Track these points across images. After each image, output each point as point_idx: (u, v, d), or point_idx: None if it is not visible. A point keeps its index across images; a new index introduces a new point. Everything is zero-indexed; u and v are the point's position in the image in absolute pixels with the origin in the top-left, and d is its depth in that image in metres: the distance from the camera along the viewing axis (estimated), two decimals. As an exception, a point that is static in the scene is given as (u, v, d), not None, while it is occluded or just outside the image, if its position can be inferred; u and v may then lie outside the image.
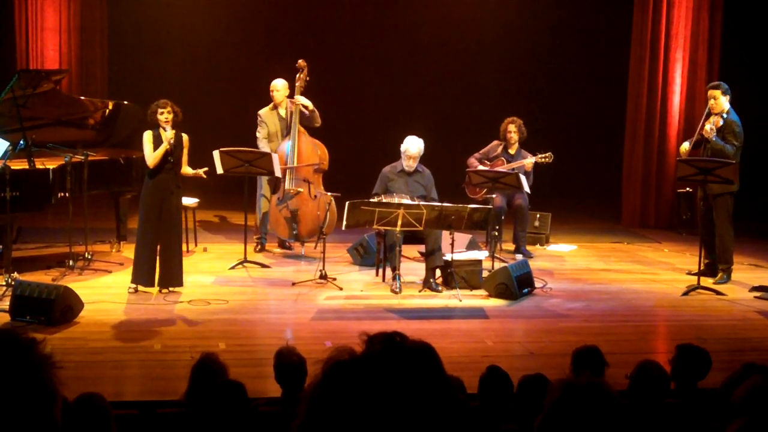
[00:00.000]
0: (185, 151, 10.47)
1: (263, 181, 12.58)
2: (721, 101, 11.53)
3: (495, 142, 13.18)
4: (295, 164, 12.23)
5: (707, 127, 11.44)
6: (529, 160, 12.87)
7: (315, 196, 12.26)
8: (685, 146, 11.82)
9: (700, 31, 15.69)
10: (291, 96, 12.54)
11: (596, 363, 6.04)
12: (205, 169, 10.78)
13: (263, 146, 12.35)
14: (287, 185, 12.26)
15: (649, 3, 15.57)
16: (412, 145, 11.28)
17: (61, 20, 15.33)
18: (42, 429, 1.93)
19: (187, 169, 10.61)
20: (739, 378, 4.71)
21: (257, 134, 12.53)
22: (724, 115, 11.50)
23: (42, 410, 1.93)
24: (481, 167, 12.77)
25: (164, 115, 10.26)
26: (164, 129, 10.27)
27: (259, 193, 12.67)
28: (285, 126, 12.54)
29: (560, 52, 18.48)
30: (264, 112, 12.61)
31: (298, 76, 12.37)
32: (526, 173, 12.59)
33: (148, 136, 10.31)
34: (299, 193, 12.26)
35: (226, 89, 17.12)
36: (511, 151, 13.04)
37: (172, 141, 10.21)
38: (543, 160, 12.87)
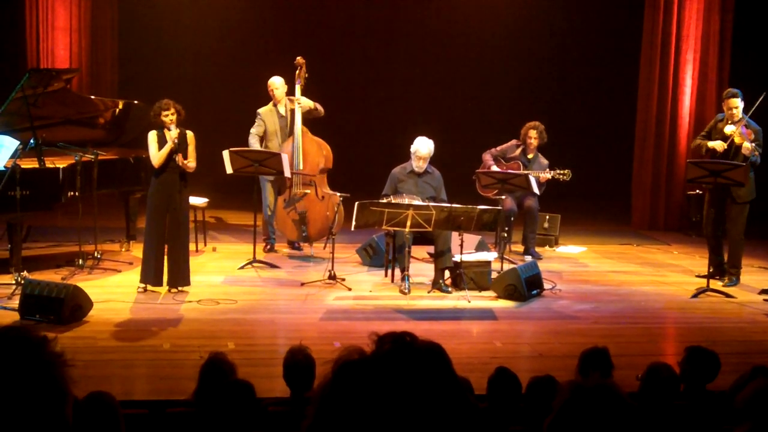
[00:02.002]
0: (191, 148, 10.44)
1: (267, 186, 12.55)
2: (740, 108, 11.46)
3: (513, 142, 13.13)
4: (301, 167, 12.23)
5: (746, 144, 11.25)
6: (545, 175, 12.81)
7: (322, 197, 12.26)
8: (718, 143, 11.62)
9: (711, 32, 15.65)
10: (289, 93, 12.54)
11: (603, 365, 6.04)
12: (192, 161, 10.61)
13: (254, 143, 12.36)
14: (294, 187, 12.26)
15: (660, 4, 15.55)
16: (423, 146, 11.27)
17: (72, 20, 15.36)
18: (53, 427, 1.94)
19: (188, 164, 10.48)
20: (748, 381, 4.71)
21: (251, 131, 12.51)
22: (746, 123, 11.39)
23: (54, 408, 1.94)
24: (494, 167, 12.75)
25: (169, 117, 10.24)
26: (169, 129, 10.27)
27: (264, 202, 12.64)
28: (285, 124, 12.54)
29: (570, 54, 18.47)
30: (264, 111, 12.59)
31: (297, 73, 12.38)
32: (539, 184, 12.56)
33: (152, 137, 10.30)
34: (306, 195, 12.27)
35: (234, 89, 17.12)
36: (529, 156, 13.01)
37: (176, 140, 10.20)
38: (561, 177, 12.79)
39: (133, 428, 5.11)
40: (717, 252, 11.85)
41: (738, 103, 11.42)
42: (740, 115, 11.42)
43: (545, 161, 13.02)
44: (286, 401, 5.97)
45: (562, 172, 12.80)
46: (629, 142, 16.34)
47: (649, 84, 15.80)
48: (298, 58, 12.39)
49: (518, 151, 13.05)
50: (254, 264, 11.75)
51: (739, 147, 11.30)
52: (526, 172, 12.68)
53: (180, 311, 9.78)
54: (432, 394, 1.84)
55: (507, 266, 11.45)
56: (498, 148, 13.13)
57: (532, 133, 12.95)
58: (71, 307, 9.07)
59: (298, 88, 12.36)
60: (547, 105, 17.59)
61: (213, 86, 17.49)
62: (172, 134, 10.20)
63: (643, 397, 5.62)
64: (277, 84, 12.56)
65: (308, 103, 12.39)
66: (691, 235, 15.10)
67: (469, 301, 10.50)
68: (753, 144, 11.23)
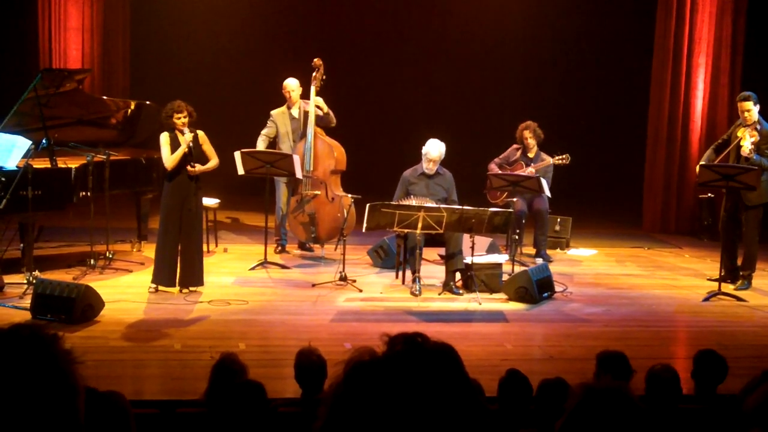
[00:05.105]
0: (206, 146, 10.44)
1: (281, 187, 12.57)
2: (754, 112, 11.41)
3: (514, 146, 13.20)
4: (310, 169, 12.22)
5: (744, 144, 11.25)
6: (547, 158, 12.91)
7: (332, 199, 12.25)
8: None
9: (723, 36, 15.63)
10: (304, 95, 12.53)
11: (622, 369, 6.02)
12: (213, 158, 10.62)
13: (259, 144, 12.44)
14: (303, 189, 12.27)
15: (673, 8, 15.53)
16: (433, 148, 11.25)
17: (84, 20, 15.40)
18: (65, 422, 1.94)
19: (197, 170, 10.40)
20: (758, 385, 4.70)
21: (261, 132, 12.56)
22: (758, 127, 11.37)
23: (65, 402, 1.94)
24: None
25: (181, 119, 10.22)
26: (181, 132, 10.25)
27: (278, 203, 12.66)
28: (297, 126, 12.54)
29: (582, 57, 18.46)
30: (276, 112, 12.60)
31: (314, 75, 12.34)
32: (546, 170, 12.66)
33: (165, 139, 10.28)
34: (316, 196, 12.27)
35: (246, 89, 17.15)
36: (530, 155, 13.06)
37: (191, 144, 10.19)
38: (560, 161, 12.88)
39: (144, 428, 5.11)
40: (731, 255, 11.80)
41: (750, 106, 11.37)
42: (754, 118, 11.38)
43: (548, 157, 13.04)
44: (297, 402, 5.98)
45: (561, 157, 12.88)
46: (641, 145, 16.31)
47: (661, 87, 15.79)
48: (316, 59, 12.33)
49: (519, 153, 13.10)
50: (265, 265, 11.77)
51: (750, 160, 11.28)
52: (537, 166, 12.74)
53: (191, 312, 9.79)
54: (443, 395, 1.83)
55: (518, 269, 11.44)
56: (500, 156, 13.18)
57: (527, 134, 13.04)
58: (83, 306, 9.09)
59: (313, 90, 12.32)
60: (559, 108, 17.59)
61: (225, 87, 17.51)
62: (186, 138, 10.18)
63: (647, 400, 5.62)
64: (292, 86, 12.55)
65: (323, 103, 12.34)
66: (703, 239, 15.10)
67: (480, 303, 10.50)
68: (752, 146, 11.19)
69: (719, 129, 14.84)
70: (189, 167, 10.25)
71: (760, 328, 10.16)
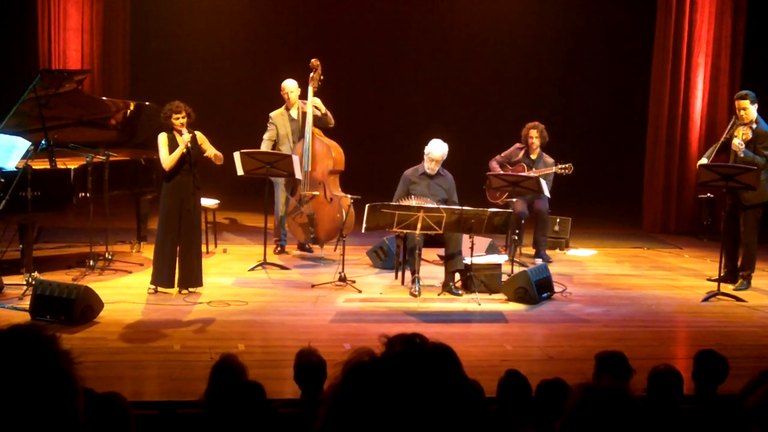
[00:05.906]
0: (206, 145, 10.43)
1: (281, 187, 12.57)
2: (751, 111, 11.41)
3: (516, 145, 13.17)
4: (309, 169, 12.21)
5: (735, 141, 11.29)
6: (549, 163, 12.89)
7: (331, 199, 12.25)
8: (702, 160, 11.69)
9: (723, 35, 15.63)
10: (302, 96, 12.52)
11: (621, 369, 6.03)
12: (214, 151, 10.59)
13: (265, 147, 12.39)
14: (302, 189, 12.26)
15: (672, 7, 15.53)
16: (436, 149, 11.24)
17: (84, 21, 15.40)
18: (65, 422, 1.94)
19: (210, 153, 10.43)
20: (757, 385, 4.70)
21: (264, 136, 12.54)
22: (753, 125, 11.37)
23: (65, 404, 1.94)
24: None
25: (180, 120, 10.22)
26: (180, 133, 10.25)
27: (277, 202, 12.67)
28: (297, 127, 12.53)
29: (582, 57, 18.47)
30: (275, 114, 12.59)
31: (311, 75, 12.33)
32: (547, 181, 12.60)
33: (163, 139, 10.28)
34: (315, 197, 12.26)
35: (245, 90, 17.16)
36: (533, 156, 13.03)
37: (189, 145, 10.19)
38: (563, 171, 12.84)
39: (144, 429, 5.11)
40: (732, 256, 11.80)
41: (746, 105, 11.38)
42: (750, 117, 11.39)
43: (550, 159, 13.04)
44: (296, 403, 5.97)
45: (563, 166, 12.85)
46: (641, 145, 16.32)
47: (660, 87, 15.79)
48: (313, 60, 12.33)
49: (521, 153, 13.08)
50: (265, 265, 11.76)
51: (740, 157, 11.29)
52: (540, 171, 12.71)
53: (190, 312, 9.79)
54: (442, 396, 1.83)
55: (517, 269, 11.44)
56: (502, 154, 13.16)
57: (533, 133, 13.00)
58: (82, 307, 9.08)
59: (310, 90, 12.31)
60: (558, 108, 17.59)
61: (224, 88, 17.52)
62: (184, 138, 10.18)
63: (649, 399, 5.62)
64: (291, 87, 12.54)
65: (321, 104, 12.34)
66: (703, 239, 15.10)
67: (480, 304, 10.49)
68: (742, 143, 11.20)
69: (719, 129, 14.84)
70: (207, 154, 10.28)
71: (759, 329, 10.15)
